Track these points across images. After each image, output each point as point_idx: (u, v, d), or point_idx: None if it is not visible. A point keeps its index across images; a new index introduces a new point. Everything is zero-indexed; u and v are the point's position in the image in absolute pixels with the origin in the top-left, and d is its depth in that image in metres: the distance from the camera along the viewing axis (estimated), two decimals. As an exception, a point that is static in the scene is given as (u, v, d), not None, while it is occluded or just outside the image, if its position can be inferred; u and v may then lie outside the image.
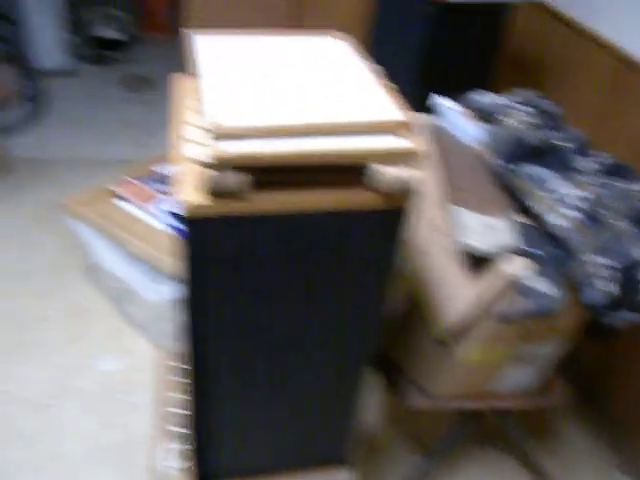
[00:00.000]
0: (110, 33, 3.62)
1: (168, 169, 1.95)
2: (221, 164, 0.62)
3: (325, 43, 0.87)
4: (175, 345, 1.38)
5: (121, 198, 1.83)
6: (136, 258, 1.66)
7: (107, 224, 1.70)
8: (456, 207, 1.05)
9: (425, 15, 1.59)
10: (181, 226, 1.70)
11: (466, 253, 1.03)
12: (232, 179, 0.63)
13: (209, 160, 0.62)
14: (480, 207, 1.07)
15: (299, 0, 2.21)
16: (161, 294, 1.57)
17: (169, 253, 1.62)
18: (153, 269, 1.63)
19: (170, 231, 1.72)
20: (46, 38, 3.21)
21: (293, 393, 0.92)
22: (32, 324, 1.91)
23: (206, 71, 0.73)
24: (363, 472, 1.15)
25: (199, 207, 0.65)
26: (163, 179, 1.89)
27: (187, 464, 1.10)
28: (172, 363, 1.29)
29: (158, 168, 1.95)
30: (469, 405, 1.21)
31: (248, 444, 1.02)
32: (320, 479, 1.13)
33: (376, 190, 0.68)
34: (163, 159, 2.01)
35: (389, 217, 0.71)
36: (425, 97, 1.37)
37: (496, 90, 1.42)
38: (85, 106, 3.16)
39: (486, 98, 1.31)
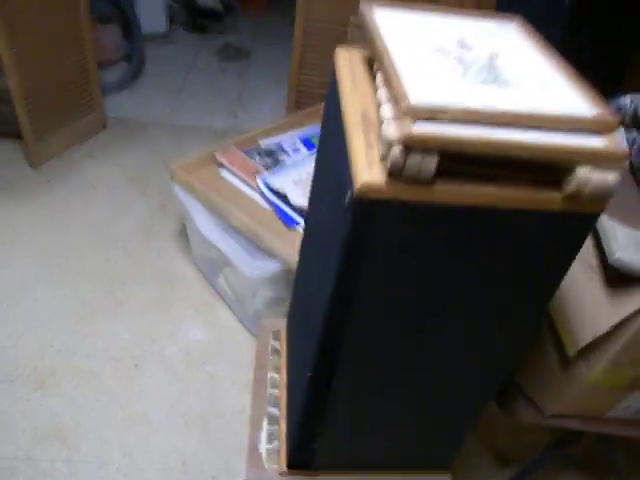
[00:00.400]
0: (209, 2, 3.63)
1: (274, 143, 1.93)
2: (415, 144, 0.58)
3: (503, 27, 0.81)
4: (269, 324, 1.37)
5: (225, 168, 1.82)
6: (236, 231, 1.65)
7: (211, 193, 1.70)
8: (603, 219, 0.98)
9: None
10: (282, 205, 1.69)
11: (612, 269, 0.95)
12: (421, 162, 0.59)
13: (402, 139, 0.57)
14: (629, 220, 0.99)
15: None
16: (258, 270, 1.56)
17: (270, 230, 1.61)
18: (253, 244, 1.61)
19: (271, 208, 1.70)
20: (149, 1, 3.24)
21: (421, 394, 0.88)
22: (122, 285, 1.94)
23: (390, 46, 0.69)
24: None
25: (375, 187, 0.61)
26: (268, 153, 1.87)
27: (281, 447, 1.08)
28: (274, 343, 1.27)
29: (264, 141, 1.93)
30: (581, 427, 1.14)
31: (354, 439, 0.99)
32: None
33: (569, 192, 0.62)
34: (268, 132, 1.99)
35: (579, 222, 0.65)
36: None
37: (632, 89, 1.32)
38: (180, 72, 3.19)
39: (635, 101, 1.22)
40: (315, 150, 1.91)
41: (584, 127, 0.60)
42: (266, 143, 1.93)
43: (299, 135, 1.99)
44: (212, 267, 1.88)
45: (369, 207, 0.63)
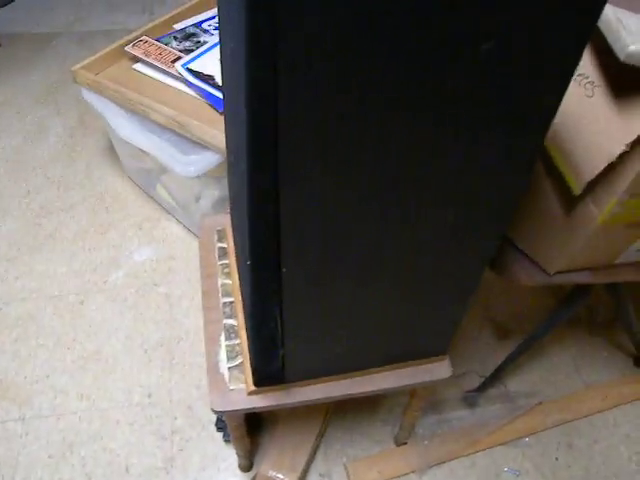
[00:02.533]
0: None
1: (191, 24, 1.64)
2: None
3: None
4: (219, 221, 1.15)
5: (139, 60, 1.54)
6: (162, 128, 1.39)
7: (125, 90, 1.42)
8: (610, 7, 0.76)
9: None
10: (210, 88, 1.42)
11: (624, 69, 0.74)
12: None
13: None
14: (634, 5, 0.77)
15: None
16: (194, 166, 1.32)
17: (200, 119, 1.36)
18: (184, 139, 1.37)
19: (198, 95, 1.44)
20: None
21: (395, 257, 0.68)
22: (48, 215, 1.70)
23: None
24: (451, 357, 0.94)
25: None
26: (187, 36, 1.58)
27: (245, 363, 0.90)
28: (220, 244, 1.06)
29: (179, 24, 1.63)
30: (592, 279, 0.98)
31: (327, 337, 0.80)
32: (415, 375, 0.92)
33: None
34: (183, 14, 1.69)
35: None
36: None
37: None
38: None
39: None
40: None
41: None
42: (183, 25, 1.64)
43: (216, 13, 1.69)
44: (147, 178, 1.64)
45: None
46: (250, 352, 0.86)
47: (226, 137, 0.91)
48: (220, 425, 1.25)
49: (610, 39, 0.72)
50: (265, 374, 0.84)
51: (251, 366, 0.86)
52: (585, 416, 1.32)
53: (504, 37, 0.46)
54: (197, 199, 1.48)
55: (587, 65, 0.81)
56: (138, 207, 1.71)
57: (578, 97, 0.81)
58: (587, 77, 0.80)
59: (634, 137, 0.73)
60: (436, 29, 0.44)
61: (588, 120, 0.79)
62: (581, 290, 1.10)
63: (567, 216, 0.87)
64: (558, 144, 0.84)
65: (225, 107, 0.89)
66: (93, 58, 1.53)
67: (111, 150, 1.84)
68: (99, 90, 1.47)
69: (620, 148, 0.74)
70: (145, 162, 1.58)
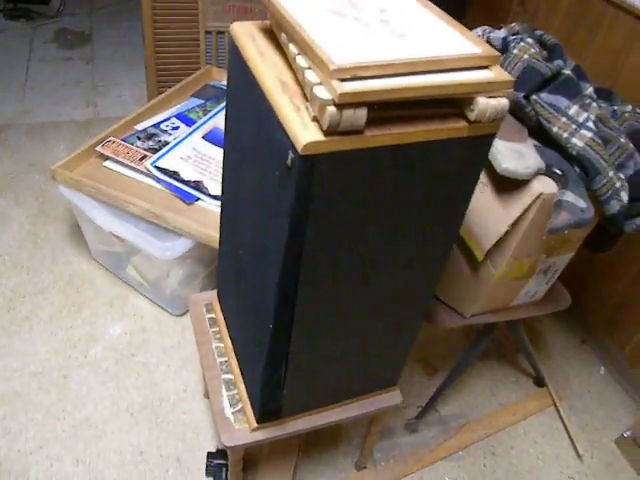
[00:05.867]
0: (29, -15, 3.37)
1: (151, 125, 1.91)
2: (346, 102, 0.65)
3: None
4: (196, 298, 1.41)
5: (109, 159, 1.78)
6: (138, 218, 1.64)
7: (102, 187, 1.66)
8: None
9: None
10: (176, 183, 1.69)
11: (500, 178, 1.11)
12: (353, 116, 0.67)
13: (335, 99, 0.65)
14: (505, 135, 1.15)
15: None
16: (170, 251, 1.57)
17: (171, 210, 1.62)
18: (157, 227, 1.62)
19: (166, 189, 1.70)
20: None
21: (369, 322, 0.99)
22: (22, 299, 1.86)
23: (295, 16, 0.74)
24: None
25: (318, 144, 0.68)
26: (149, 136, 1.85)
27: (245, 407, 1.15)
28: (210, 315, 1.31)
29: (140, 125, 1.90)
30: (492, 319, 1.32)
31: (314, 378, 1.08)
32: (376, 403, 1.21)
33: (473, 119, 0.73)
34: (142, 115, 1.96)
35: (481, 143, 0.77)
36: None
37: (469, 26, 1.48)
38: (18, 66, 2.96)
39: (490, 31, 1.37)
40: (196, 124, 1.91)
41: (476, 63, 0.71)
42: (143, 127, 1.90)
43: (174, 113, 1.98)
44: (117, 260, 1.85)
45: (313, 163, 0.70)
46: (250, 398, 1.12)
47: (222, 229, 1.19)
48: (209, 470, 1.46)
49: (491, 158, 1.08)
50: (266, 413, 1.10)
51: (254, 408, 1.11)
52: (502, 429, 1.65)
53: (434, 186, 0.79)
54: (167, 277, 1.72)
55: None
56: (107, 286, 1.91)
57: (476, 193, 1.17)
58: (481, 181, 1.16)
59: (512, 220, 1.09)
60: (399, 193, 0.76)
61: (482, 209, 1.15)
62: (488, 328, 1.45)
63: (474, 275, 1.22)
64: (465, 227, 1.18)
65: (227, 205, 1.16)
66: (67, 158, 1.75)
67: (73, 236, 2.03)
68: (77, 187, 1.70)
69: (504, 228, 1.09)
70: (114, 246, 1.80)
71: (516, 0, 2.03)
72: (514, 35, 1.36)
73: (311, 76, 0.69)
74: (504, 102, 0.73)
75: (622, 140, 1.19)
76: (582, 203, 1.08)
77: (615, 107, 1.32)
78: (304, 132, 0.68)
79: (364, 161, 0.72)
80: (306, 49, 0.70)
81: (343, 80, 0.66)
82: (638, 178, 1.15)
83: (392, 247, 0.86)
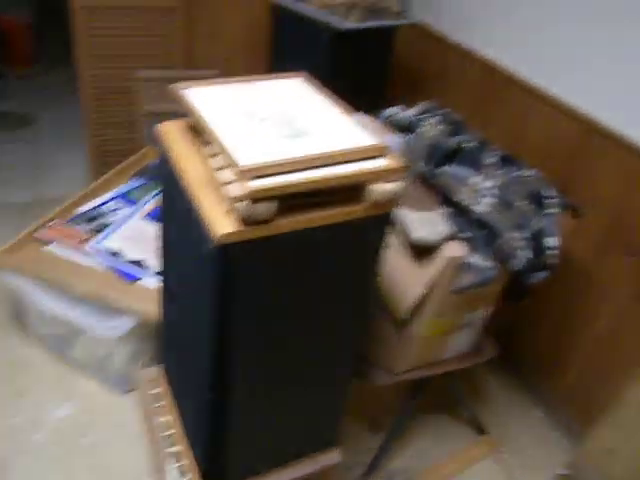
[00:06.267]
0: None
1: (93, 207, 1.97)
2: (255, 197, 0.75)
3: (295, 84, 1.02)
4: (142, 374, 1.45)
5: (51, 243, 1.83)
6: (80, 299, 1.68)
7: (45, 270, 1.70)
8: (398, 210, 1.25)
9: (325, 41, 1.79)
10: (119, 263, 1.75)
11: (413, 245, 1.22)
12: (263, 208, 0.76)
13: (245, 195, 0.75)
14: (416, 206, 1.27)
15: (190, 28, 2.30)
16: (115, 330, 1.62)
17: (115, 290, 1.67)
18: (102, 308, 1.66)
19: (109, 269, 1.76)
20: None
21: (298, 391, 1.06)
22: (-32, 387, 1.84)
23: (211, 120, 0.85)
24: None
25: (233, 234, 0.77)
26: (91, 218, 1.91)
27: (192, 476, 1.19)
28: (155, 391, 1.36)
29: (82, 208, 1.96)
30: (423, 374, 1.41)
31: (252, 447, 1.14)
32: (316, 464, 1.26)
33: (371, 202, 0.84)
34: (84, 198, 2.02)
35: (381, 222, 0.88)
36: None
37: (393, 101, 1.64)
38: (-42, 152, 2.99)
39: (400, 112, 1.52)
40: (137, 204, 1.99)
41: (370, 154, 0.83)
42: (85, 209, 1.97)
43: (116, 194, 2.06)
44: (61, 341, 1.87)
45: (229, 251, 0.79)
46: (198, 467, 1.16)
47: (162, 305, 1.25)
48: None
49: (404, 228, 1.19)
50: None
51: (199, 477, 1.15)
52: (450, 476, 1.72)
53: (341, 263, 0.89)
54: (112, 356, 1.74)
55: (396, 240, 1.28)
56: (51, 368, 1.91)
57: (394, 259, 1.28)
58: (398, 247, 1.27)
59: (427, 282, 1.19)
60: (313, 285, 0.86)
61: (401, 273, 1.26)
62: (422, 382, 1.54)
63: (399, 334, 1.31)
64: (385, 289, 1.29)
65: (166, 286, 1.23)
66: (9, 244, 1.79)
67: (16, 319, 2.04)
68: (19, 272, 1.73)
69: (421, 290, 1.20)
70: (58, 328, 1.82)
71: (432, 75, 2.23)
72: (423, 114, 1.52)
73: (224, 175, 0.79)
74: (396, 186, 0.85)
75: (522, 203, 1.33)
76: (487, 263, 1.20)
77: (519, 172, 1.48)
78: (221, 224, 0.78)
79: (276, 245, 0.82)
80: (219, 151, 0.80)
81: (251, 178, 0.76)
82: (534, 237, 1.29)
83: (310, 320, 0.95)
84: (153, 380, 1.39)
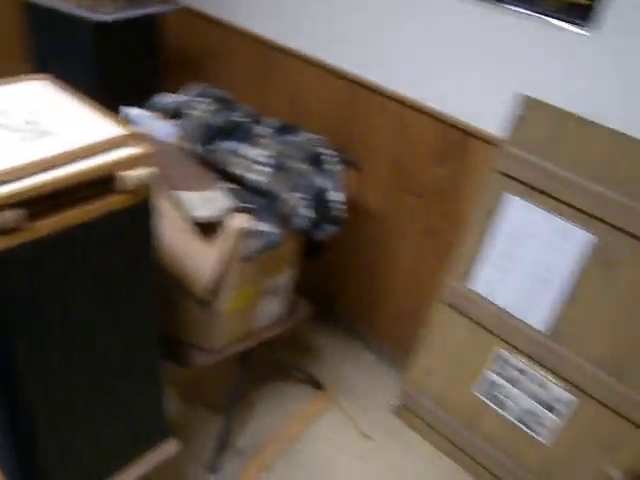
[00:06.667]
0: None
1: None
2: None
3: (38, 87, 0.99)
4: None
5: None
6: None
7: None
8: (177, 192, 1.26)
9: (84, 36, 1.72)
10: None
11: (197, 224, 1.25)
12: (9, 216, 0.74)
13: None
14: (195, 186, 1.30)
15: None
16: None
17: None
18: None
19: None
20: None
21: (106, 395, 1.05)
22: None
23: None
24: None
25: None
26: None
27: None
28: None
29: None
30: (242, 347, 1.46)
31: (74, 464, 1.11)
32: (151, 460, 1.26)
33: (124, 192, 0.85)
34: None
35: (141, 210, 0.89)
36: (112, 110, 1.52)
37: (171, 88, 1.64)
38: None
39: (167, 99, 1.53)
40: None
41: (114, 145, 0.84)
42: None
43: None
44: None
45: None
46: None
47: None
48: None
49: (183, 208, 1.21)
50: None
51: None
52: (296, 439, 1.80)
53: (113, 256, 0.88)
54: None
55: (180, 220, 1.30)
56: None
57: (181, 238, 1.29)
58: (183, 227, 1.29)
59: (219, 256, 1.23)
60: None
61: (191, 251, 1.28)
62: (245, 355, 1.59)
63: (206, 313, 1.34)
64: (178, 271, 1.30)
65: None
66: None
67: None
68: None
69: (214, 265, 1.23)
70: None
71: (209, 57, 2.25)
72: (196, 97, 1.54)
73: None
74: (146, 172, 0.86)
75: (298, 165, 1.41)
76: (271, 228, 1.26)
77: (296, 138, 1.56)
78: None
79: (35, 251, 0.80)
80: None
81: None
82: (315, 193, 1.38)
83: (95, 320, 0.94)
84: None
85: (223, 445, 1.69)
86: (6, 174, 0.75)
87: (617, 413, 1.44)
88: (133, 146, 0.88)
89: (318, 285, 2.17)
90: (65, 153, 0.81)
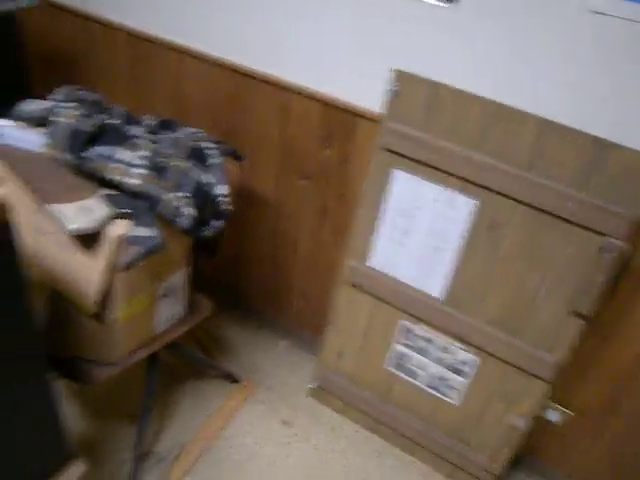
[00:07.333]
0: None
1: None
2: None
3: None
4: None
5: None
6: None
7: None
8: (49, 205, 1.20)
9: None
10: None
11: (77, 237, 1.19)
12: None
13: None
14: (69, 197, 1.23)
15: None
16: None
17: None
18: None
19: None
20: None
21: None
22: None
23: None
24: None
25: None
26: None
27: None
28: None
29: None
30: (144, 353, 1.42)
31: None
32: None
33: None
34: None
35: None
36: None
37: (41, 92, 1.55)
38: None
39: (32, 105, 1.44)
40: None
41: None
42: None
43: None
44: None
45: None
46: None
47: None
48: None
49: (61, 222, 1.15)
50: None
51: None
52: (217, 437, 1.79)
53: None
54: None
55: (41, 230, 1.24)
56: None
57: (63, 254, 1.23)
58: (62, 241, 1.23)
59: (102, 267, 1.18)
60: None
61: (75, 266, 1.22)
62: (151, 361, 1.55)
63: (101, 325, 1.29)
64: (64, 287, 1.25)
65: None
66: None
67: None
68: None
69: (99, 276, 1.18)
70: None
71: (79, 56, 2.14)
72: (63, 101, 1.45)
73: None
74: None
75: (177, 163, 1.37)
76: (151, 232, 1.22)
77: (176, 135, 1.51)
78: None
79: None
80: None
81: None
82: (198, 190, 1.35)
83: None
84: None
85: (141, 455, 1.65)
86: None
87: (516, 367, 1.52)
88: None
89: (221, 278, 2.14)
90: None
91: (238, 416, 1.86)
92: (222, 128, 1.84)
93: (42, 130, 1.39)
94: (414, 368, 1.71)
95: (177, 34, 1.82)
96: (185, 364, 1.96)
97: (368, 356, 1.78)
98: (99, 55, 2.06)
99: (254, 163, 1.83)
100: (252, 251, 2.03)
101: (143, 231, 1.21)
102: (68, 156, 1.30)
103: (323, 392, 1.92)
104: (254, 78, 1.71)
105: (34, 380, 1.06)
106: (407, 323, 1.65)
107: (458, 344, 1.59)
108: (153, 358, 1.54)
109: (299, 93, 1.64)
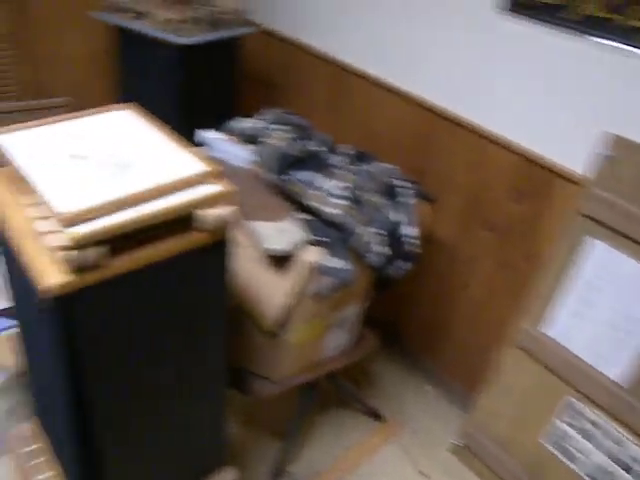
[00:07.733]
0: None
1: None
2: (80, 243, 0.73)
3: (121, 117, 1.00)
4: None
5: None
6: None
7: None
8: (250, 222, 1.26)
9: (166, 59, 1.76)
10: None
11: (270, 256, 1.24)
12: (91, 254, 0.75)
13: (68, 242, 0.73)
14: (269, 216, 1.29)
15: (25, 55, 2.18)
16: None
17: None
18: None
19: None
20: None
21: (172, 425, 1.05)
22: None
23: (26, 165, 0.82)
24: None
25: (66, 285, 0.75)
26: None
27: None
28: (30, 448, 1.29)
29: None
30: (307, 378, 1.44)
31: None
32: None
33: (204, 230, 0.85)
34: None
35: (218, 248, 0.89)
36: (190, 131, 1.54)
37: (245, 110, 1.65)
38: None
39: (244, 123, 1.53)
40: None
41: (196, 182, 0.84)
42: None
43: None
44: None
45: (64, 303, 0.76)
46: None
47: (24, 357, 1.19)
48: None
49: (256, 239, 1.21)
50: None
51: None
52: (352, 471, 1.76)
53: (186, 294, 0.88)
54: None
55: (254, 251, 1.30)
56: None
57: (254, 268, 1.29)
58: (256, 257, 1.28)
59: (289, 289, 1.22)
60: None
61: (262, 282, 1.27)
62: (307, 385, 1.57)
63: (272, 344, 1.33)
64: (247, 300, 1.30)
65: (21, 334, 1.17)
66: None
67: None
68: None
69: (284, 298, 1.22)
70: None
71: (285, 81, 2.26)
72: (273, 123, 1.54)
73: (42, 226, 0.76)
74: (227, 210, 0.86)
75: (374, 198, 1.39)
76: (344, 264, 1.24)
77: (370, 168, 1.54)
78: (49, 276, 0.75)
79: (114, 287, 0.80)
80: (38, 200, 0.78)
81: (71, 225, 0.74)
82: (390, 229, 1.35)
83: (167, 353, 0.94)
84: (27, 437, 1.32)
85: (279, 472, 1.67)
86: (90, 212, 0.76)
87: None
88: (214, 183, 0.87)
89: (381, 312, 2.13)
90: (148, 191, 0.81)
91: (376, 455, 1.82)
92: (408, 165, 1.84)
93: (250, 147, 1.47)
94: (574, 451, 1.57)
95: (377, 68, 1.86)
96: (333, 392, 1.97)
97: (524, 425, 1.66)
98: (302, 81, 2.16)
99: (437, 203, 1.81)
100: (417, 289, 2.00)
101: (337, 262, 1.23)
102: (273, 176, 1.36)
103: (467, 451, 1.83)
104: (449, 120, 1.69)
105: (214, 384, 1.11)
106: (574, 400, 1.53)
107: (634, 439, 1.44)
108: (312, 383, 1.56)
109: (493, 141, 1.60)
